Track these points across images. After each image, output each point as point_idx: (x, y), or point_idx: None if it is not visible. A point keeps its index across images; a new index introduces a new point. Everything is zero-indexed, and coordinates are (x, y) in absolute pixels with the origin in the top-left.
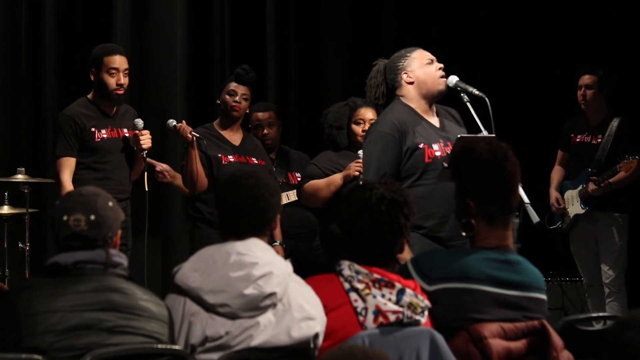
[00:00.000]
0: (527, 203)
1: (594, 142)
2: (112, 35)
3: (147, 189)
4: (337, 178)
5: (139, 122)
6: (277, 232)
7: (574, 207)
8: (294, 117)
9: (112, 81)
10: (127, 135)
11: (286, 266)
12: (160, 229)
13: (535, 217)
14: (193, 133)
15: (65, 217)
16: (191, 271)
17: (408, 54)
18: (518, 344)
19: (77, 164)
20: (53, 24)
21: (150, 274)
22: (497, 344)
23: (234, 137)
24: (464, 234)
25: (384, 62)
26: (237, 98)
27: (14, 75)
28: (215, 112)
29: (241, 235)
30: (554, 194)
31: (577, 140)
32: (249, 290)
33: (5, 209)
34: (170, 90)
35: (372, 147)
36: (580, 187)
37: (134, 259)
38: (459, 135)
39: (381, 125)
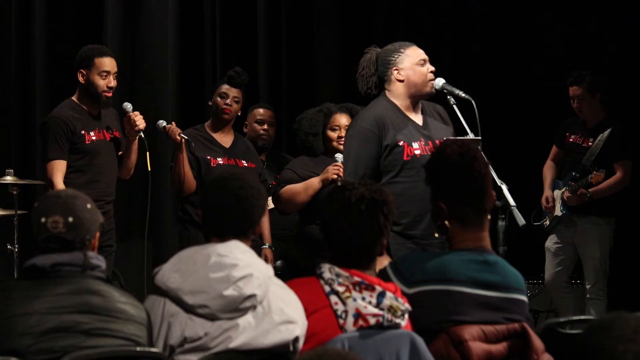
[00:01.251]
0: (513, 206)
1: (584, 144)
2: (103, 35)
3: (149, 169)
4: (314, 182)
5: (128, 105)
6: (267, 235)
7: (557, 208)
8: (286, 119)
9: (102, 83)
10: (113, 135)
11: (267, 269)
12: (152, 232)
13: (521, 220)
14: (182, 135)
15: (43, 219)
16: (171, 272)
17: (402, 50)
18: (499, 347)
19: (67, 167)
20: (43, 21)
21: (140, 278)
22: (478, 347)
23: (225, 139)
24: (436, 235)
25: (377, 51)
26: (228, 100)
27: (3, 75)
28: (206, 113)
29: (224, 237)
30: (546, 192)
31: (571, 140)
32: (229, 292)
33: None
34: (161, 90)
35: (351, 142)
36: (563, 189)
37: (130, 259)
38: (444, 138)
39: (361, 121)
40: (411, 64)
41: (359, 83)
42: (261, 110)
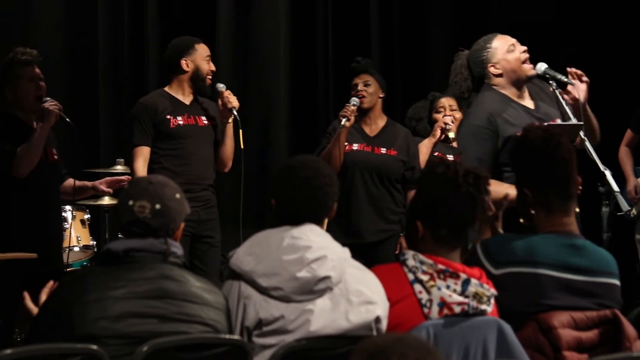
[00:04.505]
0: (617, 192)
1: None
2: (216, 31)
3: (242, 147)
4: (424, 141)
5: (221, 85)
6: None
7: None
8: (399, 112)
9: (207, 67)
10: (208, 123)
11: (342, 251)
12: (254, 220)
13: (625, 206)
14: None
15: (130, 202)
16: (245, 255)
17: (488, 45)
18: (589, 334)
19: (155, 151)
20: (155, 19)
21: None
22: (567, 334)
23: (372, 127)
24: (521, 220)
25: (465, 54)
26: (359, 87)
27: (117, 69)
28: (317, 109)
29: (298, 224)
30: (633, 180)
31: None
32: (302, 274)
33: (106, 200)
34: (274, 83)
35: (466, 141)
36: None
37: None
38: (547, 123)
39: (474, 119)
40: (502, 54)
41: (452, 89)
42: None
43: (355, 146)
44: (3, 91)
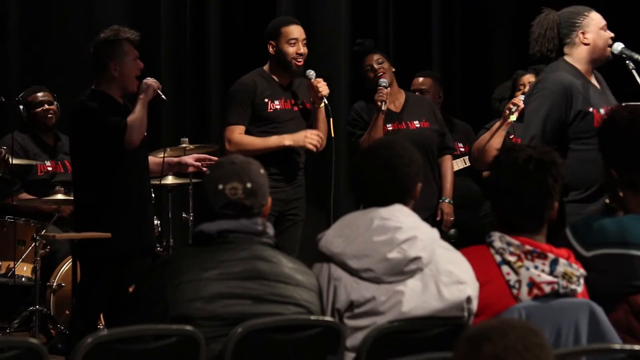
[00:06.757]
0: None
1: None
2: (277, 5)
3: (332, 135)
4: (496, 125)
5: (311, 72)
6: (448, 189)
7: None
8: (459, 90)
9: (291, 50)
10: (303, 106)
11: (432, 232)
12: (326, 200)
13: None
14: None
15: (220, 186)
16: (335, 237)
17: (586, 13)
18: None
19: (249, 133)
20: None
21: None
22: None
23: (395, 103)
24: (607, 200)
25: (555, 13)
26: (376, 67)
27: (179, 47)
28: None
29: (382, 205)
30: None
31: None
32: (393, 254)
33: (169, 179)
34: (333, 72)
35: (537, 103)
36: None
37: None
38: (623, 104)
39: (549, 83)
40: (597, 28)
41: (539, 44)
42: (419, 79)
43: (389, 127)
44: (108, 67)
